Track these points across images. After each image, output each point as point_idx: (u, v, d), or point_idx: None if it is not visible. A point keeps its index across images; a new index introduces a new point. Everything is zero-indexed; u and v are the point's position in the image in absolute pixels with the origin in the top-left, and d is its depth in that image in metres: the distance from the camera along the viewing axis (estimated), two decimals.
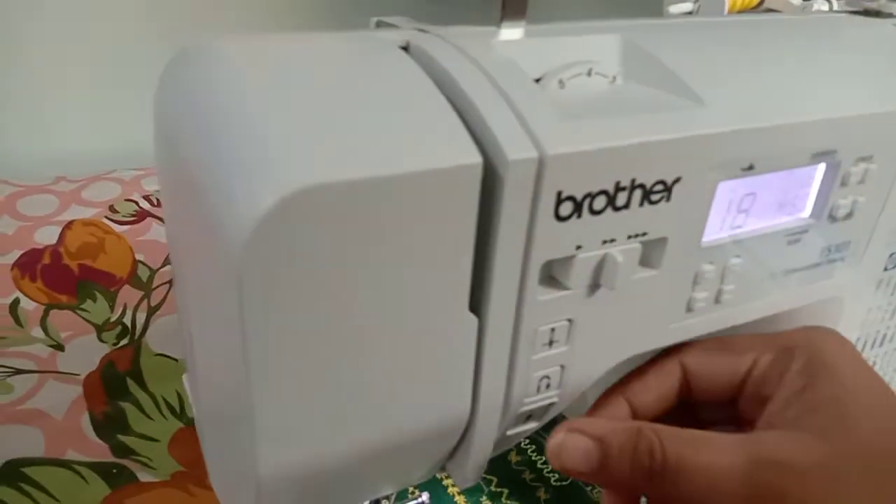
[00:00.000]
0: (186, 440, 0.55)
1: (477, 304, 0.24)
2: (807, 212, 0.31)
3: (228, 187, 0.20)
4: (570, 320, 0.26)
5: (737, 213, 0.28)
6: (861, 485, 0.24)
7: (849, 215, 0.31)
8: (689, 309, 0.29)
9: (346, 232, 0.20)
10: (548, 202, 0.23)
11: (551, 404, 0.28)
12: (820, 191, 0.30)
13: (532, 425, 0.29)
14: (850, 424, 0.24)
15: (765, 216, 0.29)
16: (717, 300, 0.29)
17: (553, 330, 0.26)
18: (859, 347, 0.38)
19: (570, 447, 0.27)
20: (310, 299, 0.20)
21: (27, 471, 0.51)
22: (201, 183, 0.21)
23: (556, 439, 0.27)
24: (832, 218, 0.31)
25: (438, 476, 0.37)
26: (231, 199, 0.20)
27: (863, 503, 0.23)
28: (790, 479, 0.24)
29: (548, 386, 0.27)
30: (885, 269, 0.36)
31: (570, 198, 0.23)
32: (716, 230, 0.28)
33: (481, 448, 0.28)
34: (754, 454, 0.24)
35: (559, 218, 0.23)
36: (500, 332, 0.24)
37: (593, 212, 0.24)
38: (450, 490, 0.39)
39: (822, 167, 0.30)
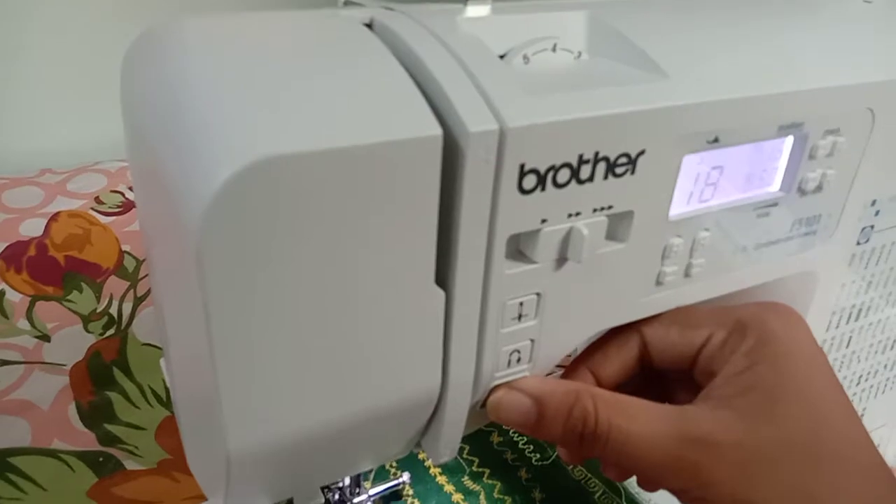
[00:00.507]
0: (172, 428, 0.55)
1: (444, 277, 0.24)
2: (776, 185, 0.31)
3: (187, 162, 0.20)
4: (538, 294, 0.26)
5: (704, 186, 0.28)
6: (778, 470, 0.24)
7: (818, 189, 0.31)
8: (658, 283, 0.29)
9: (304, 204, 0.20)
10: (511, 175, 0.23)
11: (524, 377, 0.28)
12: (789, 164, 0.30)
13: None
14: (780, 411, 0.25)
15: (733, 189, 0.29)
16: (686, 274, 0.29)
17: (521, 304, 0.26)
18: (834, 323, 0.38)
19: (507, 404, 0.28)
20: (270, 274, 0.20)
21: (14, 461, 0.51)
22: (163, 160, 0.21)
23: (496, 395, 0.28)
24: (802, 191, 0.31)
25: (420, 457, 0.38)
26: (189, 172, 0.20)
27: (776, 488, 0.24)
28: (706, 454, 0.25)
29: (518, 360, 0.27)
30: (858, 244, 0.36)
31: (534, 170, 0.23)
32: (683, 203, 0.28)
33: (454, 424, 0.28)
34: (679, 427, 0.25)
35: (523, 191, 0.23)
36: (468, 306, 0.25)
37: (557, 185, 0.24)
38: (431, 471, 0.39)
39: (789, 140, 0.30)
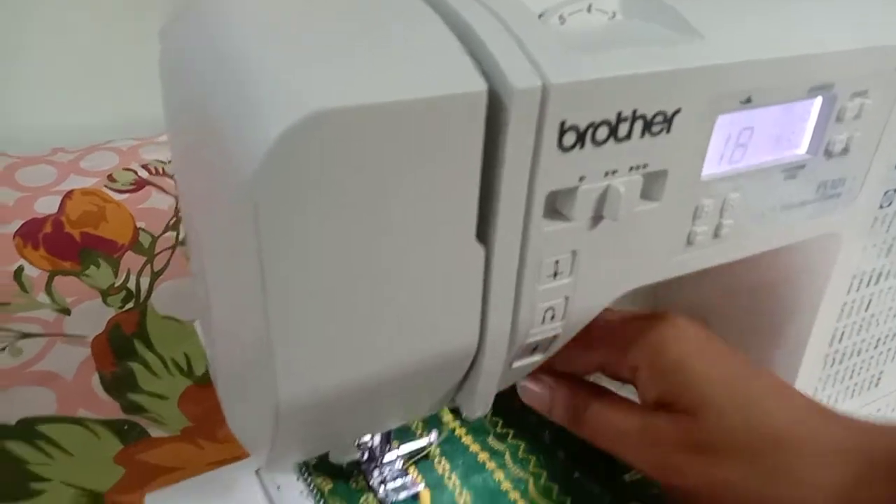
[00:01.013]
0: (195, 397, 0.56)
1: (484, 233, 0.24)
2: (803, 147, 0.31)
3: (241, 119, 0.20)
4: (573, 252, 0.26)
5: (735, 147, 0.29)
6: (725, 451, 0.29)
7: (844, 151, 0.32)
8: (689, 242, 0.29)
9: (354, 157, 0.20)
10: (551, 132, 0.23)
11: (556, 336, 0.29)
12: (816, 126, 0.31)
13: (537, 357, 0.30)
14: (705, 403, 0.30)
15: (762, 151, 0.30)
16: (715, 234, 0.30)
17: (557, 262, 0.26)
18: (854, 286, 0.39)
19: (530, 392, 0.36)
20: (321, 226, 0.21)
21: (41, 428, 0.52)
22: (214, 121, 0.22)
23: (523, 383, 0.36)
24: (828, 154, 0.32)
25: (445, 420, 0.38)
26: (244, 129, 0.20)
27: (727, 469, 0.29)
28: (667, 440, 0.31)
29: (552, 317, 0.28)
30: (881, 207, 0.36)
31: (574, 128, 0.24)
32: (715, 164, 0.28)
33: (489, 380, 0.28)
34: (645, 420, 0.32)
35: (563, 148, 0.24)
36: (507, 263, 0.25)
37: (596, 142, 0.24)
38: (457, 432, 0.40)
39: (818, 101, 0.30)
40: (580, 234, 0.26)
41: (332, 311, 0.23)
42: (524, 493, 0.36)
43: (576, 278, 0.27)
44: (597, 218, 0.26)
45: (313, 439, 0.28)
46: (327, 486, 0.36)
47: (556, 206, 0.26)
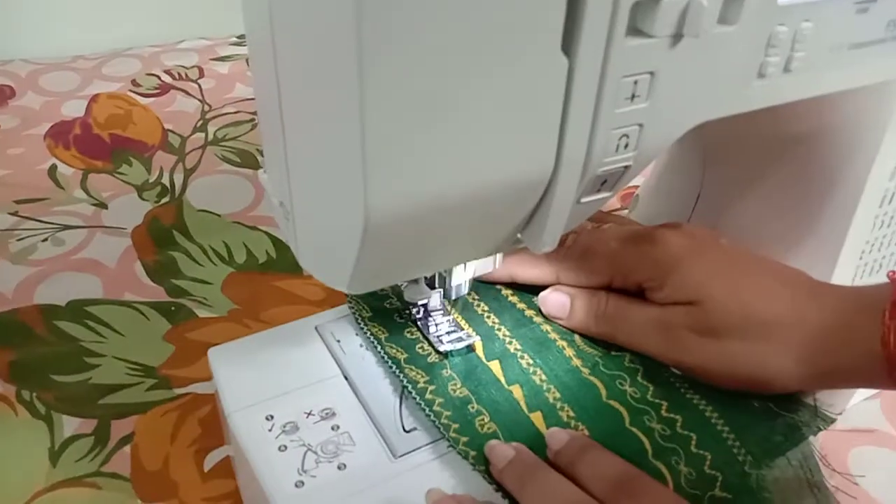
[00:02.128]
0: (238, 282, 0.56)
1: (568, 45, 0.24)
2: None
3: None
4: (652, 73, 0.26)
5: None
6: (726, 331, 0.33)
7: None
8: (760, 74, 0.29)
9: None
10: None
11: (626, 168, 0.29)
12: None
13: (605, 195, 0.30)
14: (704, 294, 0.34)
15: None
16: (786, 68, 0.30)
17: (636, 82, 0.26)
18: None
19: (550, 299, 0.38)
20: (417, 28, 0.21)
21: (91, 309, 0.53)
22: None
23: (543, 293, 0.39)
24: None
25: (490, 323, 0.39)
26: None
27: (730, 345, 0.33)
28: (681, 332, 0.34)
29: (626, 146, 0.28)
30: None
31: None
32: None
33: (559, 212, 0.29)
34: (661, 315, 0.35)
35: None
36: (588, 78, 0.25)
37: None
38: (503, 292, 0.40)
39: None
40: (660, 52, 0.26)
41: (422, 119, 0.23)
42: (571, 343, 0.37)
43: (652, 103, 0.27)
44: (677, 36, 0.26)
45: (392, 262, 0.28)
46: (383, 334, 0.37)
47: (638, 25, 0.25)
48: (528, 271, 0.40)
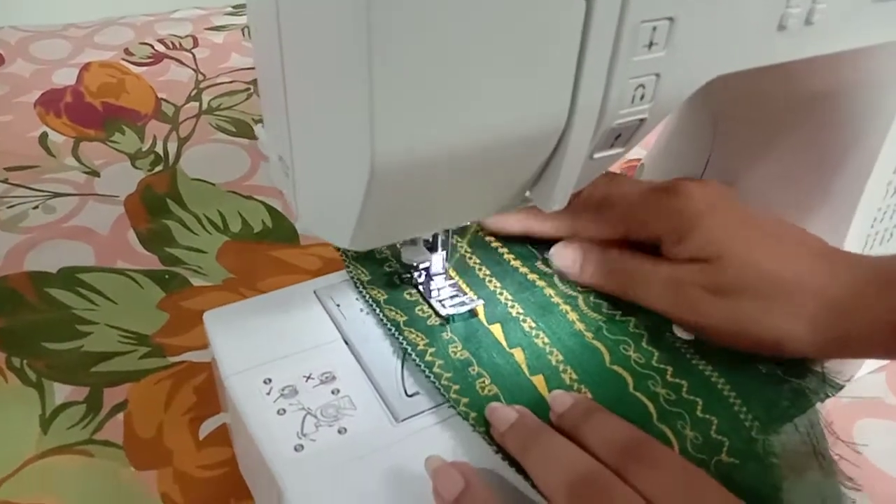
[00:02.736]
0: (234, 252, 0.55)
1: None
2: None
3: None
4: (671, 19, 0.25)
5: None
6: (741, 292, 0.32)
7: None
8: (780, 26, 0.28)
9: None
10: None
11: (641, 121, 0.28)
12: None
13: (618, 150, 0.29)
14: (723, 254, 0.33)
15: None
16: (808, 20, 0.29)
17: (654, 28, 0.25)
18: None
19: (562, 253, 0.38)
20: None
21: (82, 277, 0.52)
22: None
23: (555, 247, 0.38)
24: None
25: (492, 287, 0.38)
26: None
27: (746, 308, 0.32)
28: (695, 291, 0.33)
29: (642, 97, 0.27)
30: None
31: None
32: None
33: (570, 167, 0.28)
34: (675, 273, 0.34)
35: None
36: (605, 23, 0.24)
37: None
38: (505, 256, 0.39)
39: None
40: None
41: (432, 64, 0.22)
42: (574, 307, 0.36)
43: (670, 52, 0.26)
44: None
45: (397, 216, 0.27)
46: (382, 296, 0.36)
47: None
48: (544, 224, 0.39)
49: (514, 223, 0.39)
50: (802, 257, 0.33)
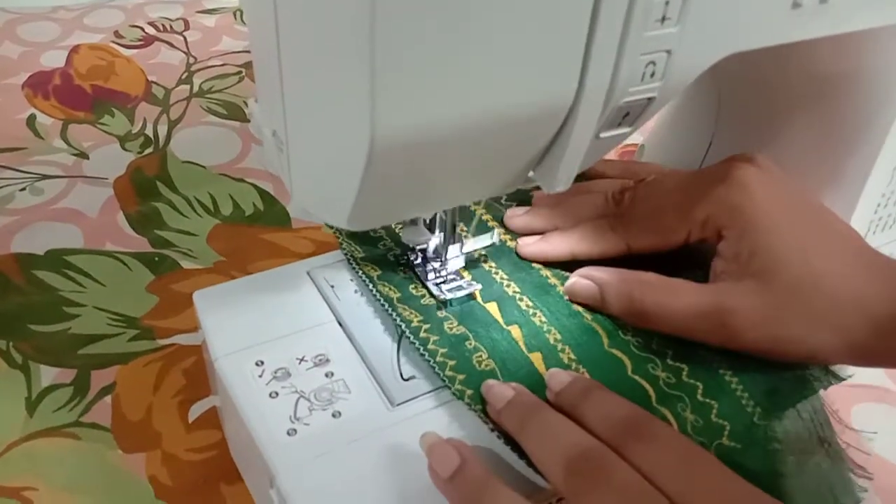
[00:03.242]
0: (225, 234, 0.54)
1: None
2: None
3: None
4: None
5: None
6: (790, 309, 0.30)
7: None
8: (795, 4, 0.28)
9: None
10: None
11: (650, 100, 0.27)
12: None
13: (625, 130, 0.28)
14: (781, 263, 0.31)
15: None
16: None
17: (667, 3, 0.24)
18: None
19: (579, 288, 0.34)
20: None
21: (70, 259, 0.51)
22: None
23: (571, 279, 0.35)
24: None
25: (487, 267, 0.37)
26: None
27: (792, 327, 0.30)
28: (738, 318, 0.31)
29: (652, 75, 0.26)
30: None
31: None
32: None
33: (576, 146, 0.27)
34: (714, 302, 0.31)
35: None
36: None
37: None
38: (502, 237, 0.39)
39: None
40: None
41: (436, 36, 0.21)
42: None
43: (682, 28, 0.25)
44: None
45: (396, 196, 0.26)
46: (375, 272, 0.35)
47: None
48: (593, 245, 0.36)
49: (559, 249, 0.36)
50: (849, 262, 0.31)
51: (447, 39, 0.21)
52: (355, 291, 0.36)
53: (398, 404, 0.31)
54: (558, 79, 0.24)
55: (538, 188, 0.35)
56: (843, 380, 0.33)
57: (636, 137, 0.61)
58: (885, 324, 0.30)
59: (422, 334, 0.32)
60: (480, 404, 0.30)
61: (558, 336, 0.33)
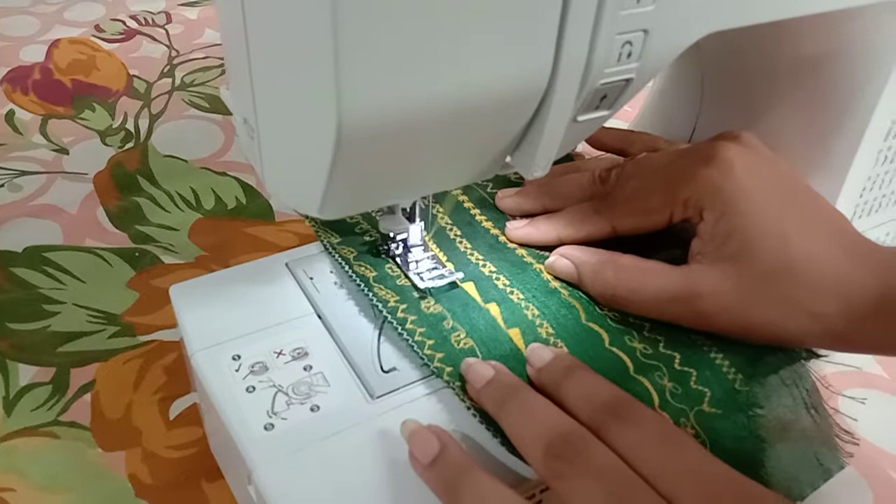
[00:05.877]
0: (206, 229, 0.54)
1: None
2: None
3: None
4: None
5: None
6: (763, 294, 0.30)
7: None
8: None
9: None
10: None
11: (628, 81, 0.27)
12: None
13: (603, 113, 0.28)
14: (756, 245, 0.30)
15: None
16: None
17: None
18: None
19: (559, 266, 0.35)
20: None
21: (49, 255, 0.50)
22: None
23: (551, 258, 0.35)
24: None
25: (463, 248, 0.36)
26: None
27: (765, 312, 0.30)
28: (710, 302, 0.31)
29: (629, 55, 0.25)
30: None
31: None
32: None
33: (553, 129, 0.26)
34: (687, 285, 0.31)
35: None
36: None
37: None
38: (478, 217, 0.38)
39: None
40: None
41: (404, 14, 0.20)
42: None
43: (658, 6, 0.25)
44: None
45: (368, 183, 0.26)
46: (351, 254, 0.35)
47: None
48: (579, 229, 0.36)
49: (547, 234, 0.36)
50: (831, 247, 0.30)
51: (414, 17, 0.21)
52: (334, 283, 0.35)
53: (378, 397, 0.30)
54: (532, 59, 0.24)
55: (517, 174, 0.35)
56: (825, 356, 0.33)
57: (620, 124, 0.60)
58: (864, 310, 0.29)
59: (399, 314, 0.32)
60: (459, 381, 0.29)
61: (536, 312, 0.33)
